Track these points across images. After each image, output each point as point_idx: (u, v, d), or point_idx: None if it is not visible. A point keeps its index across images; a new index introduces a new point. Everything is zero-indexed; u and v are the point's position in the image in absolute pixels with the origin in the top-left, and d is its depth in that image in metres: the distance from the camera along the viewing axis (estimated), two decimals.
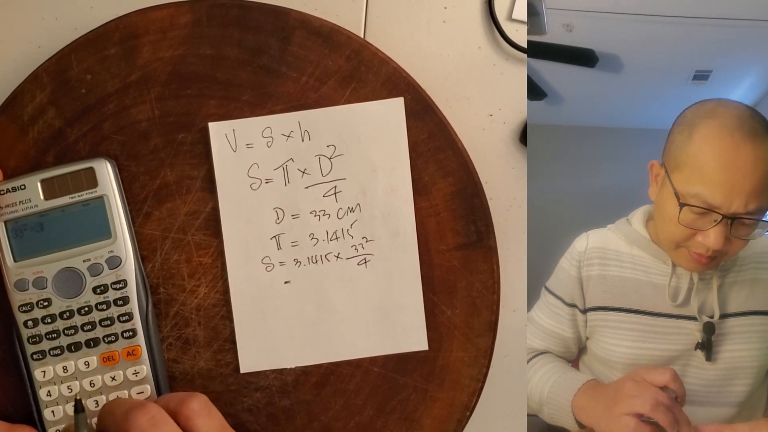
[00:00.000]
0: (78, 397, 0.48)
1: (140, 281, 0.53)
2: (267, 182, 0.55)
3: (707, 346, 0.56)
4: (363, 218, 0.55)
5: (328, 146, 0.55)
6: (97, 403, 0.53)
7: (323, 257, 0.55)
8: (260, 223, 0.55)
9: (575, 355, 0.62)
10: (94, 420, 0.52)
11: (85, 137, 0.54)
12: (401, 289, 0.55)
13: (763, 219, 0.52)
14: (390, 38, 0.57)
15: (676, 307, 0.57)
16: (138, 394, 0.53)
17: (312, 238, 0.55)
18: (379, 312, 0.55)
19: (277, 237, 0.55)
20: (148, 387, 0.53)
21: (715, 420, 0.57)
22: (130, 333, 0.53)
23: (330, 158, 0.55)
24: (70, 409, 0.52)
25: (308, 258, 0.55)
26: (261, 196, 0.55)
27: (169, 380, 0.55)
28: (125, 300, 0.53)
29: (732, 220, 0.52)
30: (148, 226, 0.55)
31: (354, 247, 0.55)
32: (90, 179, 0.53)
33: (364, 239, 0.55)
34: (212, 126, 0.54)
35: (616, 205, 0.64)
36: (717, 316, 0.56)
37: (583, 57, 0.76)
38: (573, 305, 0.60)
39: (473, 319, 0.55)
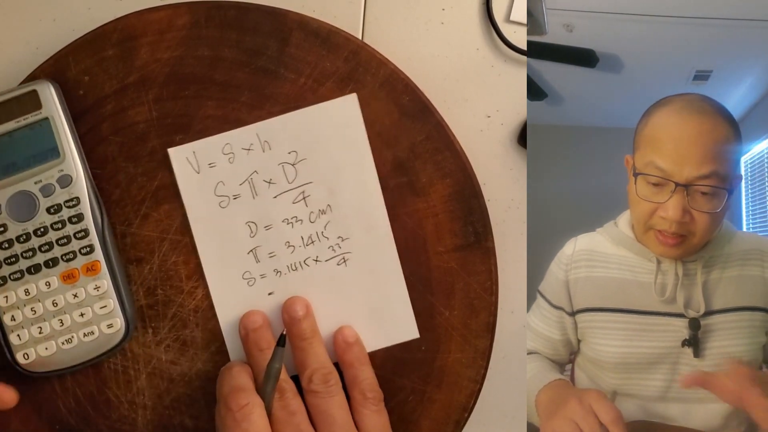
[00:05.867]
0: (283, 332, 0.50)
1: (93, 197, 0.53)
2: (235, 198, 0.55)
3: (694, 342, 0.56)
4: (335, 218, 0.55)
5: (289, 153, 0.55)
6: (61, 323, 0.53)
7: (302, 263, 0.55)
8: (235, 240, 0.55)
9: (565, 358, 0.63)
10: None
11: (83, 138, 0.54)
12: (384, 282, 0.55)
13: (720, 187, 0.55)
14: (388, 40, 0.57)
15: (663, 304, 0.58)
16: (101, 308, 0.53)
17: (288, 246, 0.55)
18: (366, 308, 0.55)
19: (254, 251, 0.55)
20: (111, 301, 0.53)
21: (710, 416, 0.57)
22: (88, 249, 0.53)
23: (293, 164, 0.55)
24: (35, 331, 0.53)
25: (288, 266, 0.55)
26: (231, 213, 0.55)
27: (168, 381, 0.55)
28: (80, 217, 0.53)
29: (686, 187, 0.54)
30: (146, 228, 0.55)
31: (331, 248, 0.55)
32: (34, 102, 0.52)
33: (340, 238, 0.55)
34: (172, 152, 0.54)
35: (616, 205, 0.64)
36: (702, 310, 0.57)
37: (583, 57, 0.76)
38: (559, 308, 0.61)
39: (471, 320, 0.55)
